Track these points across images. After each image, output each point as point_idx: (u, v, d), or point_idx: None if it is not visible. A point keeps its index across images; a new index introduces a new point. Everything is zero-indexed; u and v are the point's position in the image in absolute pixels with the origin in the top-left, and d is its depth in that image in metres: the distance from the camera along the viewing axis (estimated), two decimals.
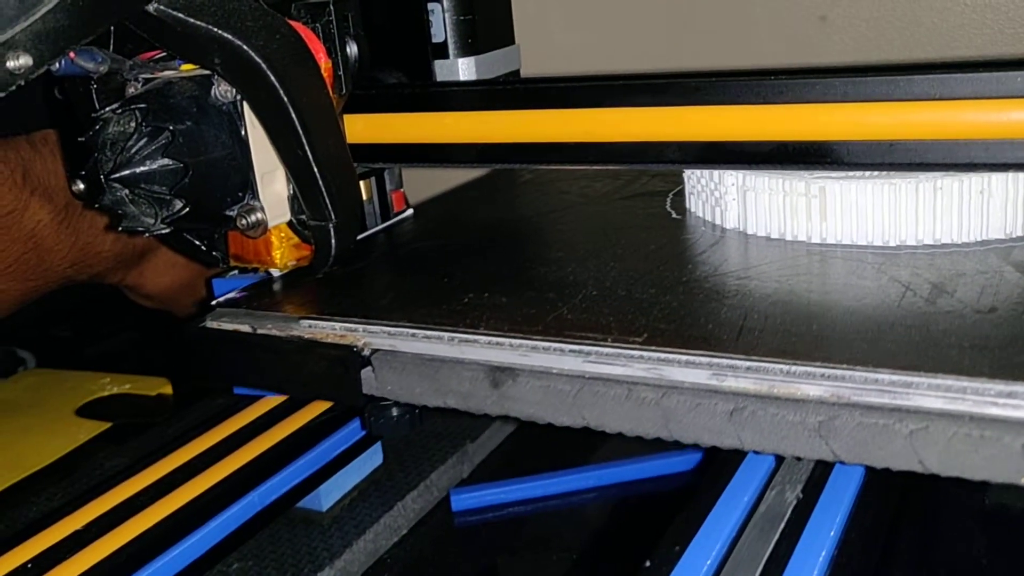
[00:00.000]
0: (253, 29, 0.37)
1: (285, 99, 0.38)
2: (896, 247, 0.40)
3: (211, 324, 0.42)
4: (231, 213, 0.41)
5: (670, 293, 0.37)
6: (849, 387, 0.30)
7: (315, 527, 0.45)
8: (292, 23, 0.40)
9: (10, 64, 0.31)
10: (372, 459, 0.49)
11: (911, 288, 0.36)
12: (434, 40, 0.50)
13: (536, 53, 0.59)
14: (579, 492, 0.48)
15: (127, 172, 0.36)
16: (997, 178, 0.39)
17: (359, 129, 0.46)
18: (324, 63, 0.42)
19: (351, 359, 0.37)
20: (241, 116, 0.40)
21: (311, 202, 0.41)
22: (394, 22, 0.50)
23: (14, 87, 0.32)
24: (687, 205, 0.49)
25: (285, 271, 0.44)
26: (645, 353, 0.33)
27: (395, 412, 0.39)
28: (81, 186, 0.42)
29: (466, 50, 0.50)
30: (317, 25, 0.43)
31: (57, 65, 0.34)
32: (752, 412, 0.30)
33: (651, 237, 0.45)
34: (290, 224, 0.43)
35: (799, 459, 0.35)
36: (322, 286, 0.43)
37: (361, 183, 0.48)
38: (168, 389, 0.64)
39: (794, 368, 0.31)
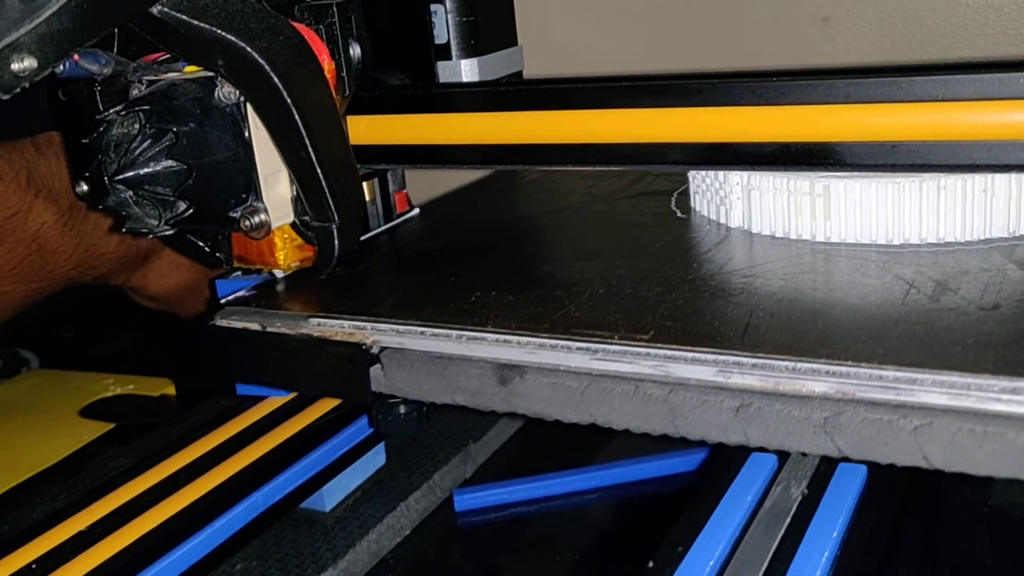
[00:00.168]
0: (256, 31, 0.37)
1: (288, 101, 0.38)
2: (900, 245, 0.40)
3: (221, 322, 0.42)
4: (235, 214, 0.41)
5: (676, 291, 0.38)
6: (854, 383, 0.30)
7: (318, 527, 0.45)
8: (295, 25, 0.40)
9: (15, 66, 0.31)
10: (375, 460, 0.49)
11: (915, 286, 0.36)
12: (437, 41, 0.50)
13: (539, 54, 0.59)
14: (582, 492, 0.48)
15: (131, 174, 0.37)
16: (1000, 177, 0.39)
17: (362, 130, 0.46)
18: (327, 65, 0.42)
19: (360, 357, 0.38)
20: (244, 118, 0.40)
21: (314, 203, 0.41)
22: (397, 23, 0.50)
23: (19, 89, 0.32)
24: (692, 204, 0.49)
25: (288, 272, 0.44)
26: (652, 350, 0.33)
27: (402, 410, 0.40)
28: (85, 188, 0.42)
29: (469, 51, 0.50)
30: (320, 27, 0.43)
31: (61, 67, 0.34)
32: (758, 408, 0.31)
33: (656, 236, 0.45)
34: (293, 225, 0.43)
35: (804, 455, 0.36)
36: (330, 285, 0.43)
37: (364, 184, 0.48)
38: (171, 390, 0.64)
39: (799, 365, 0.31)
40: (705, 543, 0.31)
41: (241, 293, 0.43)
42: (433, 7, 0.49)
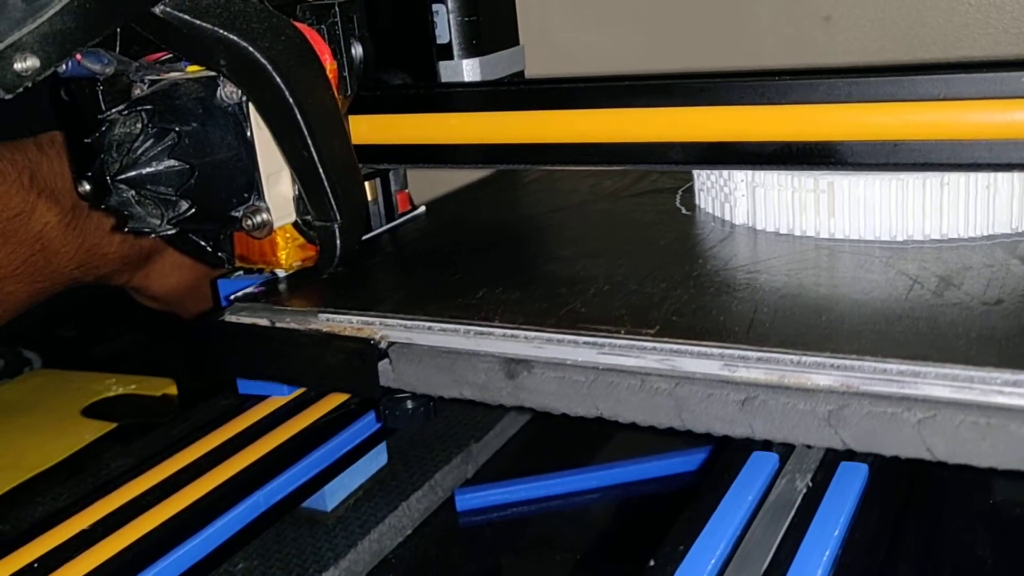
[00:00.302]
0: (259, 31, 0.37)
1: (290, 100, 0.38)
2: (903, 242, 0.41)
3: (230, 318, 0.42)
4: (237, 214, 0.41)
5: (681, 287, 0.38)
6: (858, 376, 0.30)
7: (320, 527, 0.45)
8: (297, 25, 0.40)
9: (17, 66, 0.32)
10: (377, 459, 0.49)
11: (918, 281, 0.36)
12: (439, 41, 0.50)
13: (540, 54, 0.59)
14: (583, 492, 0.48)
15: (133, 173, 0.37)
16: (1003, 174, 0.39)
17: (364, 130, 0.47)
18: (329, 64, 0.42)
19: (368, 352, 0.38)
20: (247, 117, 0.40)
21: (316, 203, 0.41)
22: (399, 23, 0.50)
23: (21, 89, 0.32)
24: (696, 201, 0.49)
25: (291, 272, 0.44)
26: (658, 345, 0.33)
27: (410, 405, 0.40)
28: (87, 187, 0.42)
29: (470, 51, 0.50)
30: (322, 27, 0.43)
31: (64, 67, 0.34)
32: (763, 401, 0.31)
33: (661, 233, 0.45)
34: (295, 225, 0.43)
35: (806, 455, 0.36)
36: (338, 282, 0.43)
37: (366, 184, 0.48)
38: (173, 390, 0.64)
39: (804, 358, 0.31)
40: (706, 542, 0.31)
41: (250, 290, 0.44)
42: (435, 7, 0.49)
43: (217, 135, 0.39)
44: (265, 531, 0.43)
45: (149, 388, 0.65)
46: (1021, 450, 0.28)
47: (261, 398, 0.48)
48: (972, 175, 0.39)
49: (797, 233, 0.43)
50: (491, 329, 0.36)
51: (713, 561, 0.31)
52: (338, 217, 0.41)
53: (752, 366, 0.32)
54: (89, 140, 0.37)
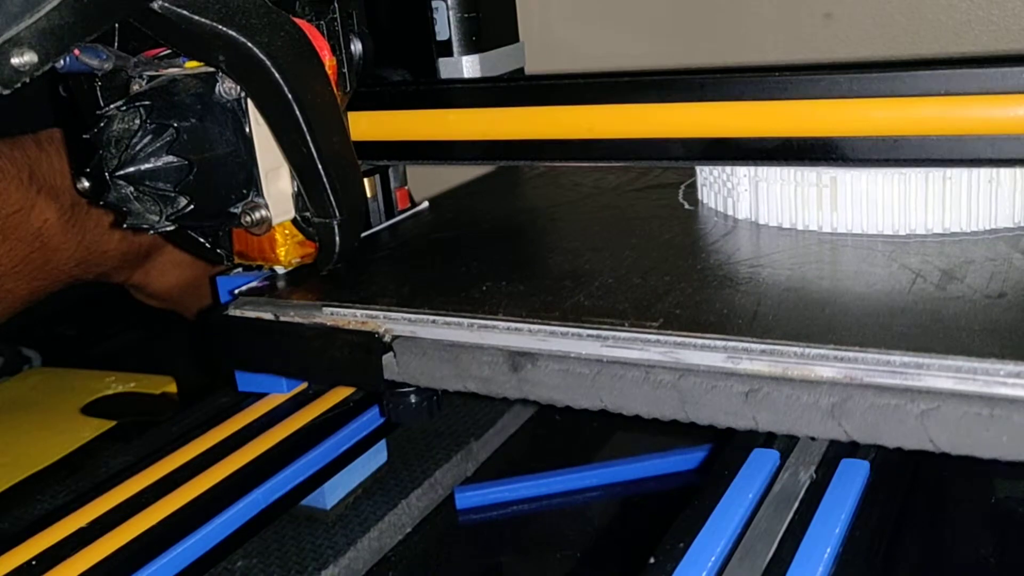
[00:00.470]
0: (257, 26, 0.37)
1: (289, 96, 0.38)
2: (906, 236, 0.41)
3: (234, 312, 0.42)
4: (235, 210, 0.41)
5: (684, 280, 0.38)
6: (861, 368, 0.30)
7: (319, 525, 0.45)
8: (296, 20, 0.40)
9: (15, 61, 0.31)
10: (376, 457, 0.49)
11: (921, 275, 0.36)
12: (438, 38, 0.50)
13: (540, 51, 0.59)
14: (583, 490, 0.48)
15: (132, 169, 0.37)
16: (1006, 168, 0.39)
17: (363, 126, 0.46)
18: (328, 60, 0.42)
19: (373, 345, 0.38)
20: (245, 113, 0.40)
21: (315, 199, 0.41)
22: (398, 20, 0.50)
23: (19, 84, 0.32)
24: (699, 196, 0.49)
25: (289, 268, 0.44)
26: (661, 337, 0.33)
27: (413, 399, 0.40)
28: (86, 183, 0.42)
29: (470, 48, 0.50)
30: (321, 22, 0.43)
31: (62, 62, 0.34)
32: (767, 393, 0.31)
33: (664, 227, 0.45)
34: (294, 221, 0.43)
35: (806, 452, 0.36)
36: (342, 276, 0.44)
37: (365, 180, 0.48)
38: (173, 388, 0.64)
39: (807, 350, 0.31)
40: (707, 540, 0.31)
41: (254, 284, 0.44)
42: (435, 4, 0.49)
43: (216, 131, 0.39)
44: (264, 529, 0.43)
45: (148, 386, 0.65)
46: None
47: (260, 396, 0.48)
48: (975, 169, 0.39)
49: (800, 228, 0.43)
50: (495, 322, 0.36)
51: (713, 559, 0.31)
52: (337, 214, 0.41)
53: (756, 358, 0.32)
54: (87, 136, 0.37)
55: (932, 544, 0.40)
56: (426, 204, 0.54)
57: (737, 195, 0.45)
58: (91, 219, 0.56)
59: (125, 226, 0.38)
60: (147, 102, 0.37)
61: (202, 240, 0.44)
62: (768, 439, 0.37)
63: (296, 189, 0.42)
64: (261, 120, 0.40)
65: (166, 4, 0.35)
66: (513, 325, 0.36)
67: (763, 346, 0.32)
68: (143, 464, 0.43)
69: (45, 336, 0.75)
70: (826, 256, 0.40)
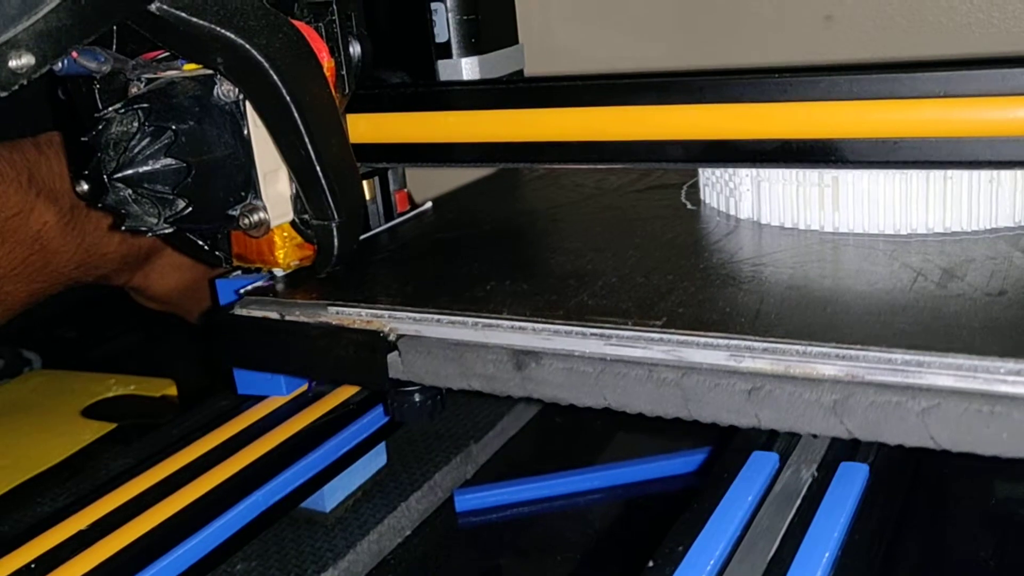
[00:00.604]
0: (256, 28, 0.37)
1: (288, 98, 0.38)
2: (907, 235, 0.41)
3: (240, 311, 0.42)
4: (234, 213, 0.41)
5: (687, 279, 0.38)
6: (863, 366, 0.30)
7: (319, 528, 0.45)
8: (295, 22, 0.40)
9: (12, 63, 0.31)
10: (376, 460, 0.49)
11: (922, 273, 0.36)
12: (437, 40, 0.50)
13: (540, 53, 0.59)
14: (583, 493, 0.48)
15: (130, 172, 0.36)
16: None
17: (362, 129, 0.46)
18: (327, 62, 0.42)
19: (378, 344, 0.38)
20: (244, 115, 0.39)
21: (314, 202, 0.41)
22: (397, 22, 0.50)
23: (17, 86, 0.32)
24: (702, 196, 0.49)
25: (288, 271, 0.44)
26: (664, 336, 0.34)
27: (417, 398, 0.40)
28: (85, 186, 0.42)
29: (469, 50, 0.50)
30: (320, 24, 0.43)
31: (60, 65, 0.34)
32: (769, 391, 0.31)
33: (667, 227, 0.46)
34: (293, 224, 0.43)
35: (806, 455, 0.36)
36: (347, 275, 0.44)
37: (364, 183, 0.48)
38: (173, 390, 0.64)
39: (809, 348, 0.31)
40: (706, 542, 0.31)
41: (260, 283, 0.44)
42: (434, 5, 0.49)
43: (214, 133, 0.39)
44: (264, 532, 0.43)
45: (149, 389, 0.65)
46: None
47: (260, 398, 0.48)
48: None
49: (802, 227, 0.43)
50: (499, 321, 0.37)
51: (712, 562, 0.31)
52: (336, 216, 0.41)
53: (758, 356, 0.32)
54: (86, 139, 0.37)
55: (931, 546, 0.40)
56: (429, 205, 0.54)
57: (739, 195, 0.45)
58: (90, 222, 0.56)
59: (123, 228, 0.38)
60: (145, 104, 0.37)
61: (201, 242, 0.44)
62: (767, 441, 0.37)
63: (294, 191, 0.42)
64: (259, 122, 0.40)
65: (164, 6, 0.35)
66: (517, 324, 0.36)
67: (765, 344, 0.32)
68: (143, 466, 0.43)
69: (45, 338, 0.75)
70: (828, 255, 0.40)
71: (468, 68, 0.50)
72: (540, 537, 0.46)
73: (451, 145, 0.45)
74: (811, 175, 0.42)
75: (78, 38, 0.33)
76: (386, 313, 0.39)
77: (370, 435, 0.48)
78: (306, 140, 0.39)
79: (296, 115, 0.38)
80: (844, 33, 0.67)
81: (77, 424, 0.61)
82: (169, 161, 0.37)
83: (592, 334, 0.35)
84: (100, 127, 0.37)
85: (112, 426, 0.60)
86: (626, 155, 0.42)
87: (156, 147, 0.37)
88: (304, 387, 0.49)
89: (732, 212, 0.46)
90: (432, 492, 0.48)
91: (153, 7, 0.35)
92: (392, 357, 0.38)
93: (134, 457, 0.49)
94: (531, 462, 0.51)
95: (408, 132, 0.46)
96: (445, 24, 0.50)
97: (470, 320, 0.37)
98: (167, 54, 0.40)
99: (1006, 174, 0.40)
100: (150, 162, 0.37)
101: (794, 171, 0.42)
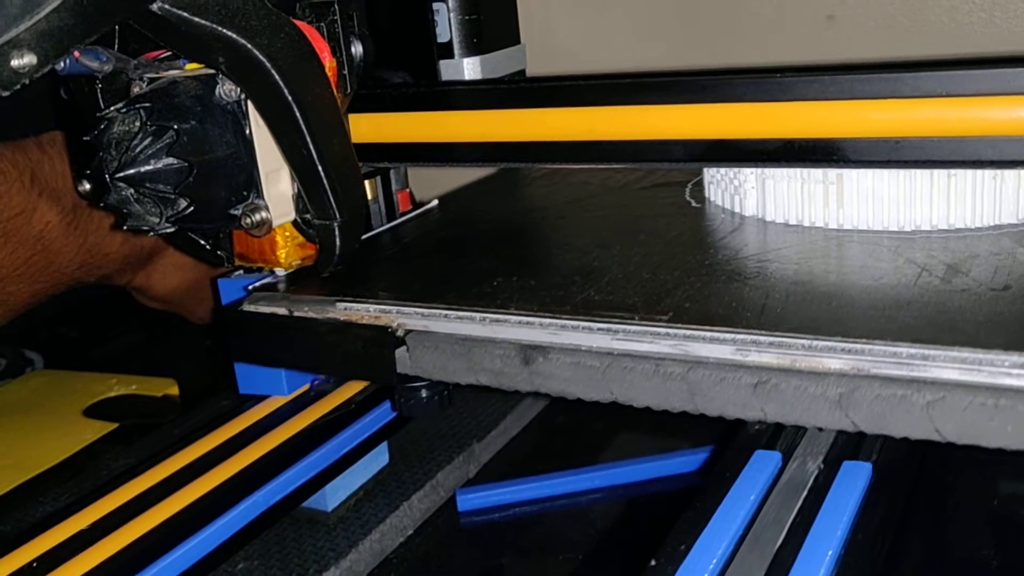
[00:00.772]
0: (257, 28, 0.37)
1: (290, 98, 0.38)
2: (911, 232, 0.41)
3: (248, 307, 0.42)
4: (236, 212, 0.41)
5: (693, 275, 0.38)
6: (868, 360, 0.31)
7: (321, 527, 0.45)
8: (297, 22, 0.40)
9: (14, 63, 0.31)
10: (378, 459, 0.49)
11: (927, 269, 0.37)
12: (439, 40, 0.50)
13: (541, 53, 0.59)
14: (585, 492, 0.48)
15: (132, 171, 0.36)
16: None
17: (364, 128, 0.46)
18: (329, 62, 0.42)
19: (386, 339, 0.39)
20: (246, 115, 0.40)
21: (316, 201, 0.41)
22: (399, 21, 0.50)
23: (19, 86, 0.32)
24: (706, 194, 0.49)
25: (290, 271, 0.44)
26: (671, 330, 0.34)
27: (424, 393, 0.40)
28: (87, 186, 0.42)
29: (471, 50, 0.50)
30: (322, 24, 0.43)
31: (62, 64, 0.34)
32: (775, 384, 0.31)
33: (672, 224, 0.46)
34: (295, 223, 0.43)
35: (807, 456, 0.36)
36: (355, 271, 0.44)
37: (366, 183, 0.48)
38: (174, 390, 0.64)
39: (815, 343, 0.32)
40: (708, 541, 0.31)
41: (268, 280, 0.44)
42: (435, 5, 0.49)
43: (216, 133, 0.39)
44: (265, 531, 0.43)
45: (150, 388, 0.65)
46: None
47: (262, 398, 0.48)
48: None
49: (806, 224, 0.43)
50: (507, 316, 0.37)
51: (715, 561, 0.31)
52: (338, 216, 0.41)
53: (764, 350, 0.32)
54: (88, 138, 0.37)
55: (934, 545, 0.40)
56: (435, 203, 0.54)
57: (744, 192, 0.45)
58: (93, 222, 0.56)
59: (125, 228, 0.38)
60: (147, 104, 0.37)
61: (202, 242, 0.44)
62: (770, 440, 0.37)
63: (296, 191, 0.42)
64: (261, 122, 0.40)
65: (166, 6, 0.35)
66: (524, 319, 0.36)
67: (771, 339, 0.32)
68: (145, 466, 0.43)
69: (47, 338, 0.75)
70: (832, 251, 0.40)
71: (470, 68, 0.50)
72: (542, 536, 0.46)
73: (453, 145, 0.45)
74: (815, 172, 0.42)
75: (80, 37, 0.33)
76: (394, 309, 0.39)
77: (372, 434, 0.48)
78: (308, 140, 0.39)
79: (298, 115, 0.38)
80: (846, 33, 0.67)
81: (79, 424, 0.61)
82: (171, 160, 0.37)
83: (599, 329, 0.35)
84: (102, 126, 0.37)
85: (114, 426, 0.60)
86: (628, 155, 0.42)
87: (158, 146, 0.37)
88: (306, 387, 0.49)
89: (737, 209, 0.46)
90: (434, 491, 0.48)
91: (155, 6, 0.35)
92: (400, 352, 0.38)
93: (136, 457, 0.49)
94: (533, 462, 0.51)
95: (410, 132, 0.46)
96: (447, 24, 0.50)
97: (478, 315, 0.37)
98: (169, 54, 0.40)
99: (1010, 171, 0.40)
100: (152, 161, 0.37)
101: (798, 168, 0.42)
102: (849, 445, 0.36)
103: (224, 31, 0.36)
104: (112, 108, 0.37)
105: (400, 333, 0.38)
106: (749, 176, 0.45)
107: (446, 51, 0.50)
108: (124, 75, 0.40)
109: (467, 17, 0.50)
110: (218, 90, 0.39)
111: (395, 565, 0.45)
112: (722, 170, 0.47)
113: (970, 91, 0.35)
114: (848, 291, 0.35)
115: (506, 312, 0.37)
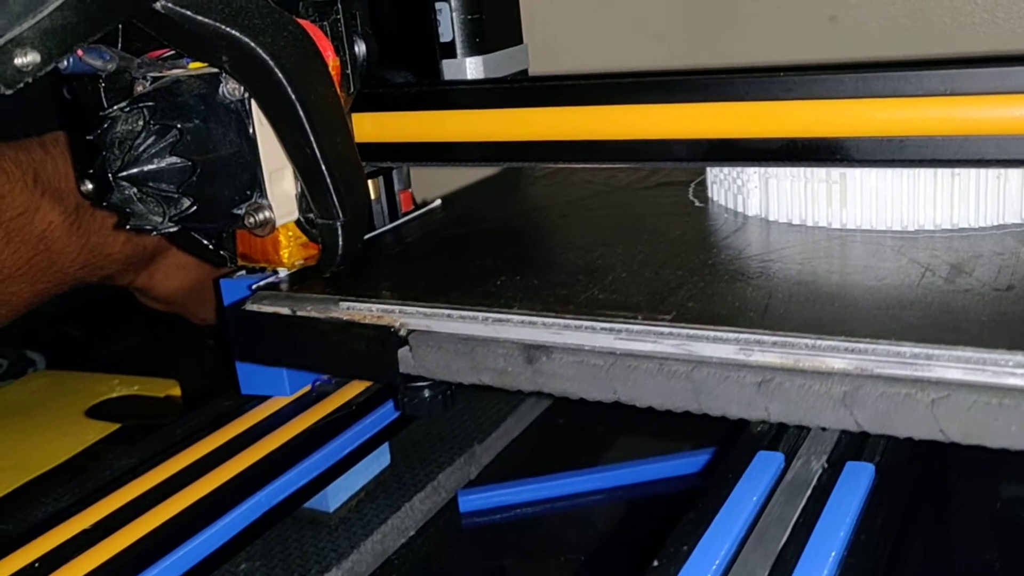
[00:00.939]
0: (261, 27, 0.37)
1: (293, 97, 0.38)
2: (915, 232, 0.41)
3: (252, 307, 0.42)
4: (239, 211, 0.41)
5: (696, 275, 0.38)
6: (872, 359, 0.31)
7: (322, 528, 0.45)
8: (300, 21, 0.40)
9: (18, 61, 0.31)
10: (379, 460, 0.49)
11: (930, 269, 0.36)
12: (442, 39, 0.50)
13: (544, 52, 0.59)
14: (587, 494, 0.48)
15: (135, 170, 0.36)
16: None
17: (367, 128, 0.46)
18: (332, 61, 0.42)
19: (389, 339, 0.38)
20: (249, 114, 0.39)
21: (319, 201, 0.41)
22: (402, 21, 0.50)
23: (22, 84, 0.32)
24: (709, 193, 0.49)
25: (293, 270, 0.44)
26: (675, 330, 0.34)
27: (427, 393, 0.40)
28: (90, 185, 0.42)
29: (474, 49, 0.50)
30: (325, 23, 0.43)
31: (65, 63, 0.34)
32: (779, 384, 0.31)
33: (675, 224, 0.46)
34: (298, 223, 0.43)
35: (810, 457, 0.35)
36: (358, 271, 0.44)
37: (369, 182, 0.48)
38: (177, 391, 0.64)
39: (819, 342, 0.31)
40: (710, 543, 0.31)
41: (271, 279, 0.44)
42: (438, 5, 0.49)
43: (219, 132, 0.39)
44: (267, 532, 0.43)
45: (153, 389, 0.65)
46: None
47: (263, 398, 0.48)
48: None
49: (809, 223, 0.43)
50: (510, 316, 0.37)
51: (717, 562, 0.31)
52: (341, 215, 0.41)
53: (767, 350, 0.32)
54: (91, 137, 0.37)
55: (937, 547, 0.40)
56: (439, 203, 0.54)
57: (747, 192, 0.45)
58: (95, 222, 0.56)
59: (128, 227, 0.38)
60: (151, 103, 0.37)
61: (205, 242, 0.44)
62: (773, 441, 0.37)
63: (300, 190, 0.42)
64: (265, 121, 0.40)
65: (169, 4, 0.35)
66: (528, 319, 0.36)
67: (775, 338, 0.32)
68: (147, 466, 0.43)
69: (50, 339, 0.76)
70: (836, 251, 0.40)
71: (472, 67, 0.50)
72: (544, 538, 0.46)
73: (456, 144, 0.45)
74: (819, 172, 0.42)
75: (83, 36, 0.33)
76: (397, 308, 0.39)
77: (374, 435, 0.47)
78: (311, 139, 0.39)
79: (301, 114, 0.38)
80: (849, 33, 0.67)
81: (81, 424, 0.61)
82: (174, 160, 0.37)
83: (602, 328, 0.35)
84: (105, 125, 0.37)
85: (116, 426, 0.60)
86: (631, 154, 0.42)
87: (161, 145, 0.37)
88: (307, 387, 0.49)
89: (740, 209, 0.46)
90: (436, 493, 0.48)
91: (158, 5, 0.35)
92: (403, 352, 0.38)
93: (138, 457, 0.49)
94: (535, 463, 0.51)
95: (413, 131, 0.46)
96: (449, 23, 0.50)
97: (481, 315, 0.37)
98: (172, 52, 0.40)
99: (1014, 171, 0.39)
100: (155, 160, 0.37)
101: (802, 168, 0.42)
102: (852, 446, 0.36)
103: (227, 29, 0.36)
104: (115, 107, 0.37)
105: (403, 333, 0.38)
106: (752, 176, 0.45)
107: (449, 51, 0.50)
108: (127, 74, 0.40)
109: (469, 17, 0.50)
110: (221, 89, 0.39)
111: (397, 566, 0.44)
112: (725, 170, 0.46)
113: (974, 90, 0.35)
114: (851, 291, 0.35)
115: (509, 312, 0.37)
